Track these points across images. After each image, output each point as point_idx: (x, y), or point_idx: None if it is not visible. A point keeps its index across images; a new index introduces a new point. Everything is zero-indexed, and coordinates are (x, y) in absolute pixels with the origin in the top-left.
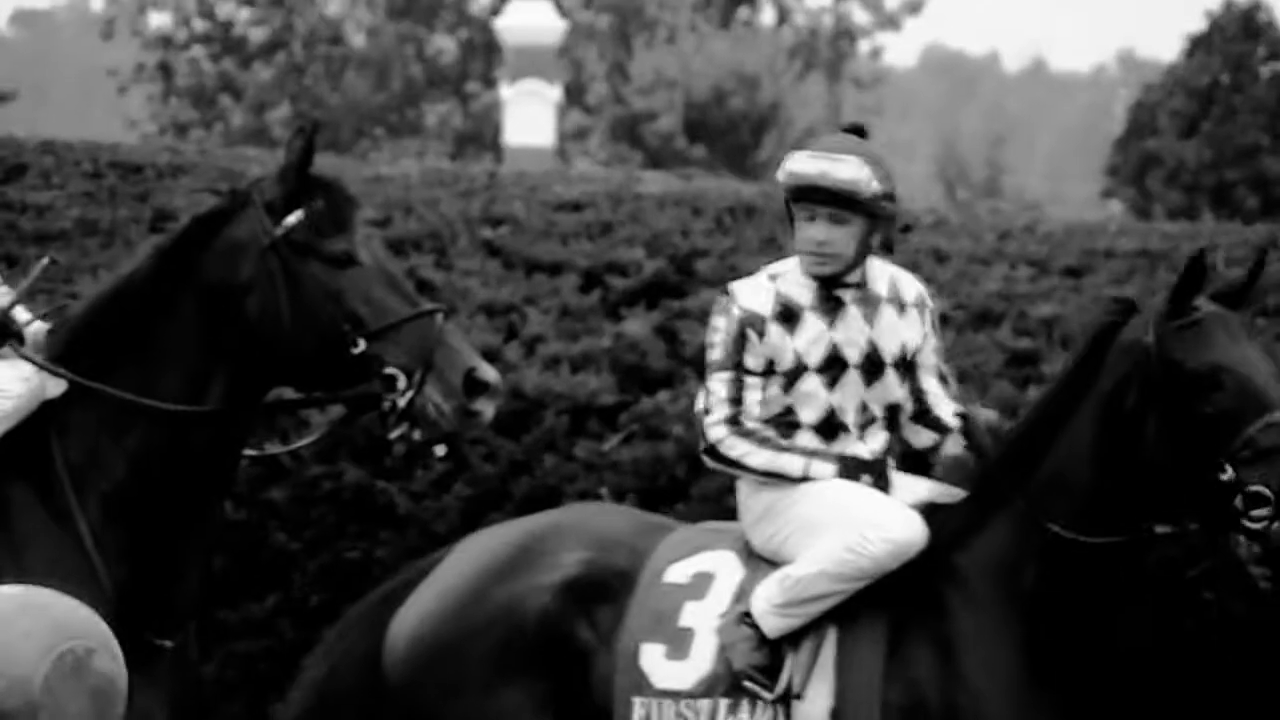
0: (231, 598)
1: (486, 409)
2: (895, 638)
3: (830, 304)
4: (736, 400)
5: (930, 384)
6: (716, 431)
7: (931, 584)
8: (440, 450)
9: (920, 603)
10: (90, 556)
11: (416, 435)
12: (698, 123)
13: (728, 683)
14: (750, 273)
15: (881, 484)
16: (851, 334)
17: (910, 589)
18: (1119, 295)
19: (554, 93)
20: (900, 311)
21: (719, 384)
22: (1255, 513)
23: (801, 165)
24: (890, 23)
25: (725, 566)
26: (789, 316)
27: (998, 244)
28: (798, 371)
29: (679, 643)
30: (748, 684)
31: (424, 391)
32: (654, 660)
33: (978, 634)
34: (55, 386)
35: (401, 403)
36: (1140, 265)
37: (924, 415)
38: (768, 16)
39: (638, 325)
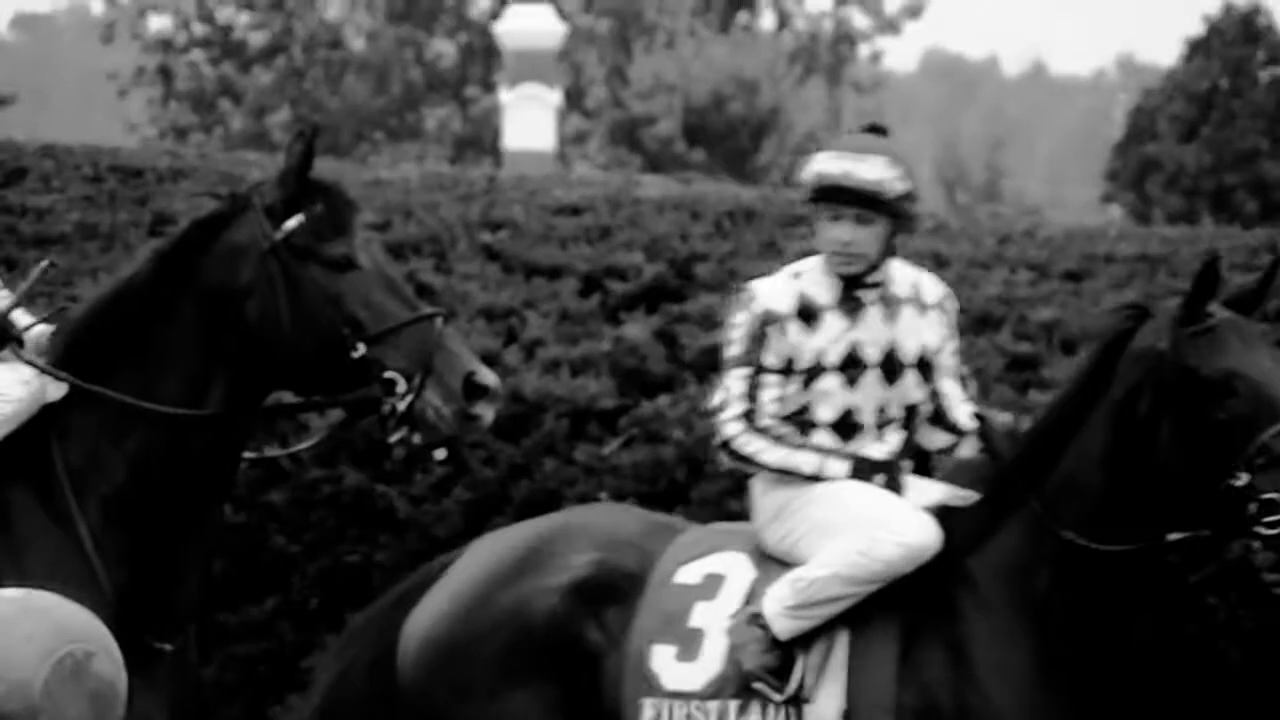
0: (231, 601)
1: (486, 413)
2: (907, 640)
3: (851, 304)
4: (752, 397)
5: (948, 386)
6: (731, 428)
7: (944, 587)
8: (440, 454)
9: (933, 606)
10: (90, 559)
11: (416, 439)
12: (697, 127)
13: (738, 684)
14: (749, 277)
15: (894, 485)
16: (871, 334)
17: (923, 592)
18: (1131, 301)
19: (553, 97)
20: (921, 312)
21: (735, 381)
22: (1269, 519)
23: (827, 165)
24: (890, 27)
25: (737, 567)
26: (809, 315)
27: (998, 248)
28: (816, 370)
29: (689, 644)
30: (758, 685)
31: (423, 395)
32: (664, 661)
33: (990, 637)
34: (55, 390)
35: (401, 406)
36: (1140, 270)
37: (940, 417)
38: (767, 21)
39: (637, 329)
